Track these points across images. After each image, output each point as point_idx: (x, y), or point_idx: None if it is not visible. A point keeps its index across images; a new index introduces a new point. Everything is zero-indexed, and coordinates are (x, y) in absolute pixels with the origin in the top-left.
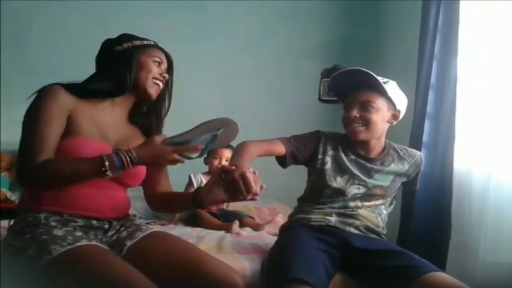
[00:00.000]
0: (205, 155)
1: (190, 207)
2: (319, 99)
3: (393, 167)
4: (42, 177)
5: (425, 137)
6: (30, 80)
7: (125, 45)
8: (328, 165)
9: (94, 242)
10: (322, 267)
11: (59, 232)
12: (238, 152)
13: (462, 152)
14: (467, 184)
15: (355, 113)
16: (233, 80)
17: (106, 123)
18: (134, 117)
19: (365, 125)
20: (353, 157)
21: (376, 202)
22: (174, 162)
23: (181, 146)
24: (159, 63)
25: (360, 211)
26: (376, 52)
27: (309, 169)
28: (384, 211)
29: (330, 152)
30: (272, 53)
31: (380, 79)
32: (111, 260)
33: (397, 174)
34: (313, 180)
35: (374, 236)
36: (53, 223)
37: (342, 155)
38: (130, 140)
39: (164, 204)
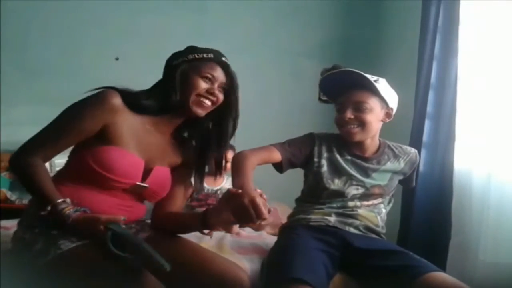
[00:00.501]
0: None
1: (197, 228)
2: (319, 99)
3: (389, 165)
4: (19, 174)
5: (425, 137)
6: (30, 81)
7: (180, 59)
8: (325, 167)
9: None
10: (322, 267)
11: (68, 227)
12: (239, 169)
13: (462, 152)
14: (467, 184)
15: (349, 114)
16: None
17: (146, 137)
18: (180, 134)
19: (360, 126)
20: (349, 157)
21: (375, 202)
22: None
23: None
24: (210, 79)
25: (360, 211)
26: (376, 52)
27: (306, 171)
28: (383, 210)
29: (325, 155)
30: (272, 53)
31: (370, 77)
32: None
33: (394, 172)
34: (310, 182)
35: (373, 235)
36: None
37: (338, 156)
38: (165, 156)
39: (171, 222)
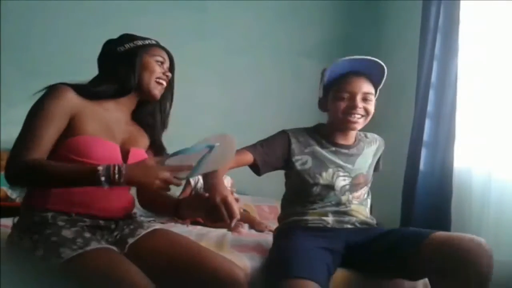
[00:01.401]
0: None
1: (171, 215)
2: (319, 108)
3: (367, 150)
4: (28, 176)
5: (425, 137)
6: (30, 80)
7: (127, 46)
8: (309, 163)
9: (103, 244)
10: (322, 264)
11: (67, 233)
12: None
13: (462, 151)
14: (467, 183)
15: (360, 104)
16: (232, 79)
17: (112, 123)
18: (138, 116)
19: (364, 116)
20: (333, 148)
21: (362, 191)
22: (165, 184)
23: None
24: (162, 63)
25: (353, 206)
26: (376, 52)
27: (288, 172)
28: (369, 201)
29: (306, 150)
30: (272, 53)
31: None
32: (120, 264)
33: (372, 157)
34: (296, 182)
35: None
36: (60, 223)
37: (320, 149)
38: (135, 139)
39: (150, 203)
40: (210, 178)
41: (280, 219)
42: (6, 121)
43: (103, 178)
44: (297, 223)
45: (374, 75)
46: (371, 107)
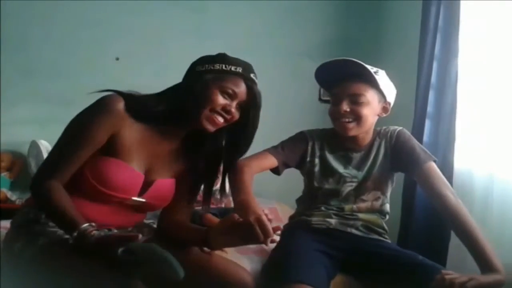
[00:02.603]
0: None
1: (198, 245)
2: (319, 99)
3: (379, 150)
4: (39, 202)
5: (425, 137)
6: (30, 81)
7: (206, 66)
8: (317, 167)
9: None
10: (322, 268)
11: (55, 229)
12: (239, 184)
13: (463, 152)
14: (468, 184)
15: (345, 107)
16: None
17: (151, 150)
18: (189, 142)
19: (355, 120)
20: (342, 153)
21: (371, 196)
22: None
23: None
24: (230, 95)
25: (360, 215)
26: (376, 52)
27: (301, 171)
28: (386, 210)
29: (318, 153)
30: (272, 53)
31: (370, 68)
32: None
33: (383, 156)
34: (306, 182)
35: (376, 236)
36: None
37: (330, 154)
38: (170, 169)
39: (173, 231)
40: (239, 196)
41: (289, 217)
42: (6, 121)
43: (72, 239)
44: (303, 223)
45: (365, 75)
46: (363, 109)
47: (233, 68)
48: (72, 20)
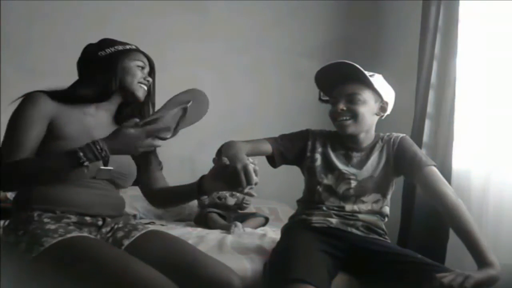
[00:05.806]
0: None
1: (196, 195)
2: (319, 99)
3: (380, 154)
4: (8, 177)
5: (425, 137)
6: (30, 80)
7: (108, 50)
8: (318, 162)
9: (85, 234)
10: (323, 267)
11: (51, 226)
12: (231, 147)
13: (461, 152)
14: (466, 185)
15: (342, 106)
16: (233, 80)
17: (92, 127)
18: (119, 119)
19: (352, 118)
20: (343, 151)
21: (372, 198)
22: (147, 147)
23: (152, 125)
24: (142, 67)
25: (360, 216)
26: (376, 52)
27: (301, 168)
28: (385, 212)
29: (319, 149)
30: (272, 53)
31: (366, 73)
32: (104, 247)
33: (385, 160)
34: (306, 180)
35: (376, 236)
36: (46, 220)
37: (331, 151)
38: None
39: (169, 198)
40: (230, 149)
41: (290, 217)
42: (6, 121)
43: (82, 155)
44: (303, 222)
45: (361, 76)
46: (359, 107)
47: (130, 47)
48: (72, 20)
